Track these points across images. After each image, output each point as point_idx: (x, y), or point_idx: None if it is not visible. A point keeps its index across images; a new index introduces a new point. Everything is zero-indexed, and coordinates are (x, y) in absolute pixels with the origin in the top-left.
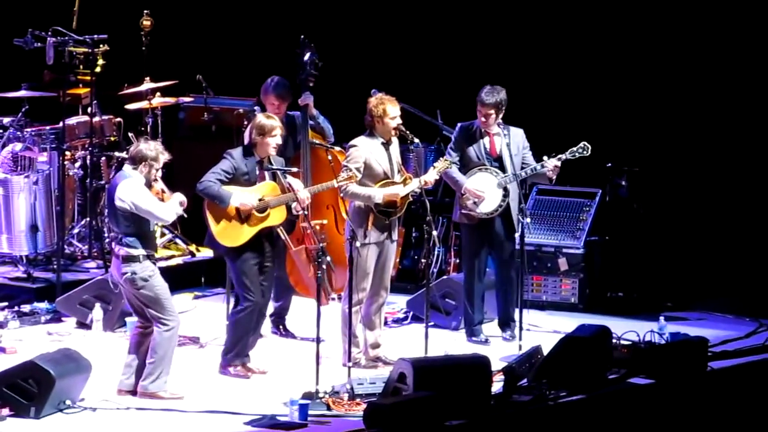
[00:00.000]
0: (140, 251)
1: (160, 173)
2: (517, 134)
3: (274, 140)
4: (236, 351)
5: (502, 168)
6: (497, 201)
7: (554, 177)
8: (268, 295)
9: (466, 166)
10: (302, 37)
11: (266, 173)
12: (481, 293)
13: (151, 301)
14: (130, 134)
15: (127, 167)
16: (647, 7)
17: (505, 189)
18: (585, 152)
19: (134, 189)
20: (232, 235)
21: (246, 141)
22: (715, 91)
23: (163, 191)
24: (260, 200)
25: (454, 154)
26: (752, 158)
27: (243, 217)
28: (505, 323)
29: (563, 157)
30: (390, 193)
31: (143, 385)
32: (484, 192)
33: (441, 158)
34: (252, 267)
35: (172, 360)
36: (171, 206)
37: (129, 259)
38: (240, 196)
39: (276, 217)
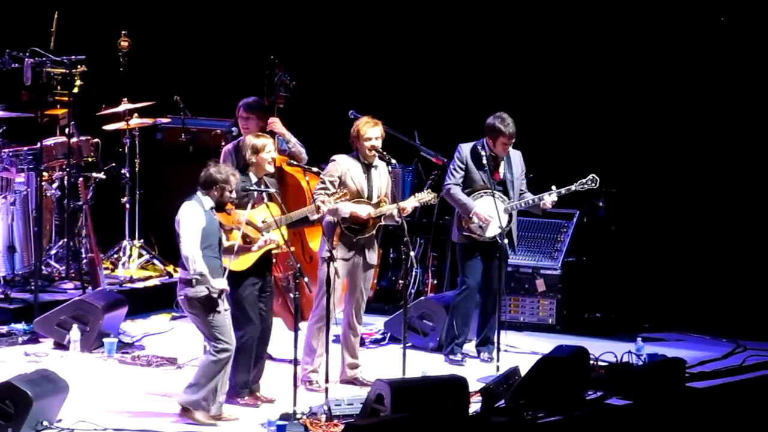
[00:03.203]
0: (193, 275)
1: (234, 195)
2: (517, 158)
3: (269, 155)
4: (237, 380)
5: (505, 192)
6: (502, 225)
7: (548, 209)
8: (270, 319)
9: (470, 187)
10: (272, 57)
11: (264, 195)
12: (472, 313)
13: (201, 325)
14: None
15: (198, 192)
16: (622, 32)
17: (510, 214)
18: (594, 184)
19: (186, 210)
20: (238, 259)
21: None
22: (691, 114)
23: (256, 228)
24: (263, 222)
25: (457, 175)
26: (728, 180)
27: (247, 240)
28: (484, 344)
29: (573, 188)
30: (358, 209)
31: (185, 392)
32: (491, 216)
33: (425, 189)
34: (252, 293)
35: (217, 387)
36: (199, 256)
37: (186, 282)
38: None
39: (279, 238)
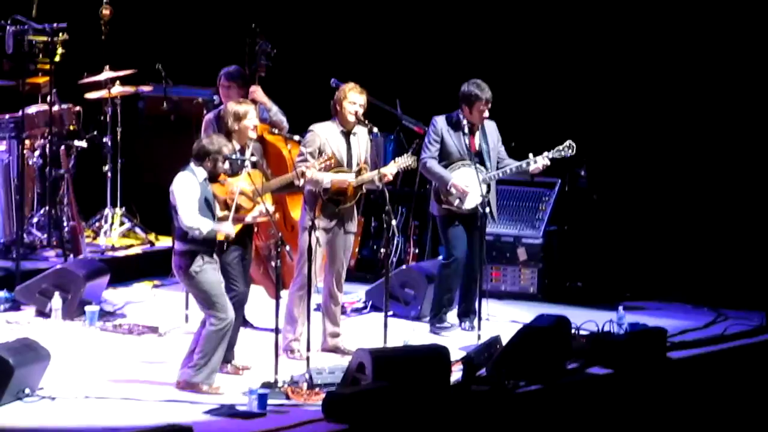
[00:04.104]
0: (189, 246)
1: (227, 165)
2: (492, 128)
3: (251, 122)
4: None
5: (482, 162)
6: (480, 196)
7: (537, 173)
8: (247, 288)
9: (446, 159)
10: (253, 25)
11: (248, 162)
12: (458, 284)
13: (199, 296)
14: None
15: (191, 164)
16: (605, 5)
17: (488, 185)
18: (571, 151)
19: (180, 181)
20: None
21: (204, 133)
22: (674, 82)
23: (250, 198)
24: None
25: (433, 148)
26: (711, 149)
27: (241, 210)
28: (465, 314)
29: (549, 155)
30: (339, 179)
31: (187, 373)
32: (469, 187)
33: (405, 154)
34: (235, 258)
35: (219, 357)
36: (201, 220)
37: (180, 253)
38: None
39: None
